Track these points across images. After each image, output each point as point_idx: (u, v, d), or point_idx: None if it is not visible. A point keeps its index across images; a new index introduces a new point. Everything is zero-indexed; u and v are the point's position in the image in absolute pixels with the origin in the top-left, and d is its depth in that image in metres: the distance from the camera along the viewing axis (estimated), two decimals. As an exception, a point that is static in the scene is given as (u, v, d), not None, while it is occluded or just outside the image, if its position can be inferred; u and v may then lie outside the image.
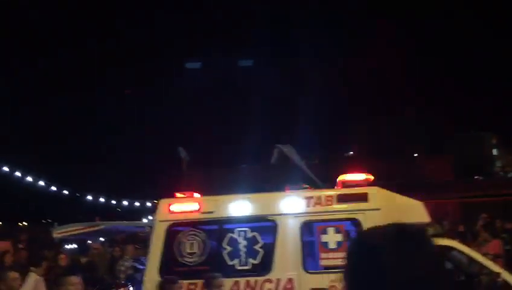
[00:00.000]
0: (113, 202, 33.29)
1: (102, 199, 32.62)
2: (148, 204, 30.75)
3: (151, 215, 28.17)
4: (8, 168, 26.65)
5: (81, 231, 7.24)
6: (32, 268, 7.82)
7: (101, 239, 14.53)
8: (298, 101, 24.80)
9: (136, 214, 30.30)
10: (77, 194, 32.79)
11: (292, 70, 28.02)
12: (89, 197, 32.52)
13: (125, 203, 33.25)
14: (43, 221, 39.40)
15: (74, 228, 7.30)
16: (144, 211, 30.79)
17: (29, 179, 28.64)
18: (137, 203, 33.01)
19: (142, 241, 12.14)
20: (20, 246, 13.61)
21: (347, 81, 27.50)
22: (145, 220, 23.71)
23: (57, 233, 7.48)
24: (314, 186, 7.20)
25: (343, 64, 27.54)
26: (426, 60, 26.45)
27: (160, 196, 6.99)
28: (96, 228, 7.14)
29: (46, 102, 30.91)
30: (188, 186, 7.21)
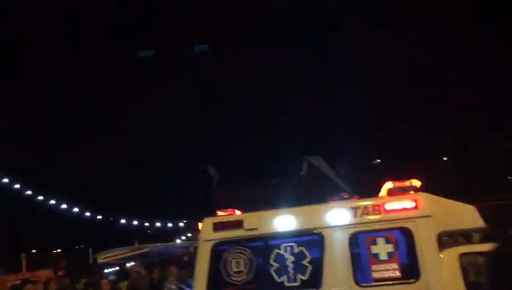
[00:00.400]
0: (147, 224, 33.47)
1: (135, 222, 32.81)
2: (181, 224, 30.81)
3: (184, 235, 28.29)
4: (43, 196, 27.22)
5: (125, 255, 7.25)
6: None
7: (133, 262, 14.55)
8: (324, 112, 24.71)
9: (169, 235, 30.39)
10: (110, 219, 33.12)
11: (319, 82, 27.96)
12: (123, 221, 32.79)
13: (158, 224, 33.37)
14: (75, 247, 39.94)
15: (118, 252, 7.32)
16: (177, 232, 30.81)
17: (64, 206, 29.15)
18: (170, 224, 33.09)
19: (177, 262, 12.13)
20: (60, 273, 13.77)
21: (371, 89, 27.30)
22: (178, 241, 23.76)
23: (102, 258, 7.51)
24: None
25: (367, 71, 27.40)
26: (450, 61, 26.08)
27: (193, 216, 6.93)
28: (141, 251, 7.13)
29: (77, 134, 31.57)
30: (221, 203, 7.12)
